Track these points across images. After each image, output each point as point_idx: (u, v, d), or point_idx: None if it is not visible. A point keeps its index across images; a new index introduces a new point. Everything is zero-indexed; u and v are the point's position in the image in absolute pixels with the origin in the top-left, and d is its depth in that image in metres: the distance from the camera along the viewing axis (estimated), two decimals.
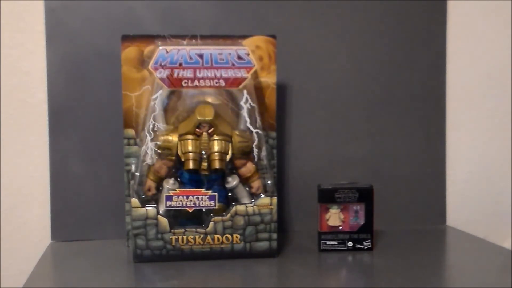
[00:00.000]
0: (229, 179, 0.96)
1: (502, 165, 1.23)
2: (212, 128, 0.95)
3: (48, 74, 1.08)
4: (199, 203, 0.94)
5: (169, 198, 0.94)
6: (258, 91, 1.00)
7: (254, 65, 0.97)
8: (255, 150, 0.96)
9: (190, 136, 0.95)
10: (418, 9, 1.17)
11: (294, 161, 1.14)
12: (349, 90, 1.16)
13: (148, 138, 0.95)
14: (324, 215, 1.01)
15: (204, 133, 0.95)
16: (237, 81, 0.97)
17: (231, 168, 0.97)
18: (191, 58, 0.96)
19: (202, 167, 0.95)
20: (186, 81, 0.96)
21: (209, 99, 0.97)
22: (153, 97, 0.96)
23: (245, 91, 0.97)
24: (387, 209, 1.15)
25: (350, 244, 1.00)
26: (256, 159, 0.97)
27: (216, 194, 0.94)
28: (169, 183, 0.95)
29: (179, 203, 0.94)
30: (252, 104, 0.97)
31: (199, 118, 0.95)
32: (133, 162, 0.99)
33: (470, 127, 1.22)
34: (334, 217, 1.00)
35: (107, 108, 1.09)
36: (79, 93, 1.09)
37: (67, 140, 1.09)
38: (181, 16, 1.10)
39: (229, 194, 0.97)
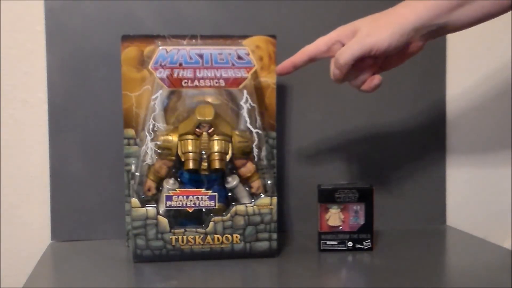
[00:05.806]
0: (229, 179, 0.96)
1: (502, 165, 1.23)
2: (212, 128, 0.95)
3: (48, 74, 1.08)
4: (199, 203, 0.94)
5: (169, 198, 0.94)
6: (258, 91, 1.00)
7: (254, 65, 0.97)
8: (255, 150, 0.96)
9: (190, 136, 0.95)
10: None
11: (294, 161, 1.14)
12: (348, 90, 1.16)
13: (148, 138, 0.95)
14: (324, 215, 1.01)
15: (204, 133, 0.95)
16: (237, 81, 0.97)
17: (231, 168, 0.97)
18: (191, 58, 0.96)
19: (202, 167, 0.95)
20: (186, 81, 0.96)
21: (209, 99, 0.97)
22: (153, 97, 0.96)
23: (245, 91, 0.97)
24: (387, 209, 1.15)
25: (350, 244, 1.00)
26: (256, 159, 0.97)
27: (216, 194, 0.94)
28: (169, 183, 0.95)
29: (179, 203, 0.94)
30: (252, 104, 0.97)
31: (199, 118, 0.95)
32: (133, 162, 0.99)
33: (470, 127, 1.22)
34: (334, 217, 1.00)
35: (107, 108, 1.09)
36: (79, 93, 1.09)
37: (67, 140, 1.09)
38: (181, 16, 1.10)
39: (229, 194, 0.97)
